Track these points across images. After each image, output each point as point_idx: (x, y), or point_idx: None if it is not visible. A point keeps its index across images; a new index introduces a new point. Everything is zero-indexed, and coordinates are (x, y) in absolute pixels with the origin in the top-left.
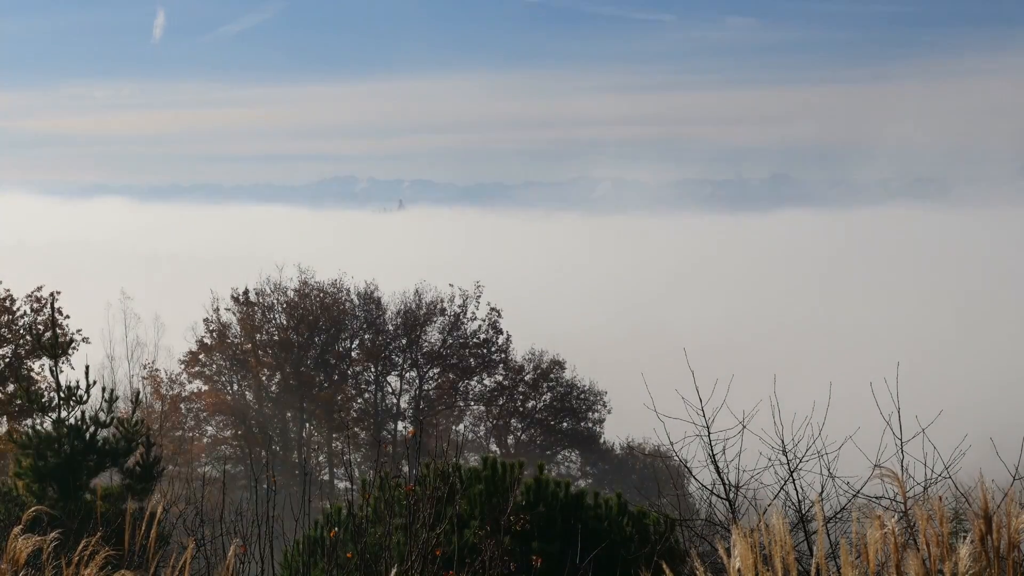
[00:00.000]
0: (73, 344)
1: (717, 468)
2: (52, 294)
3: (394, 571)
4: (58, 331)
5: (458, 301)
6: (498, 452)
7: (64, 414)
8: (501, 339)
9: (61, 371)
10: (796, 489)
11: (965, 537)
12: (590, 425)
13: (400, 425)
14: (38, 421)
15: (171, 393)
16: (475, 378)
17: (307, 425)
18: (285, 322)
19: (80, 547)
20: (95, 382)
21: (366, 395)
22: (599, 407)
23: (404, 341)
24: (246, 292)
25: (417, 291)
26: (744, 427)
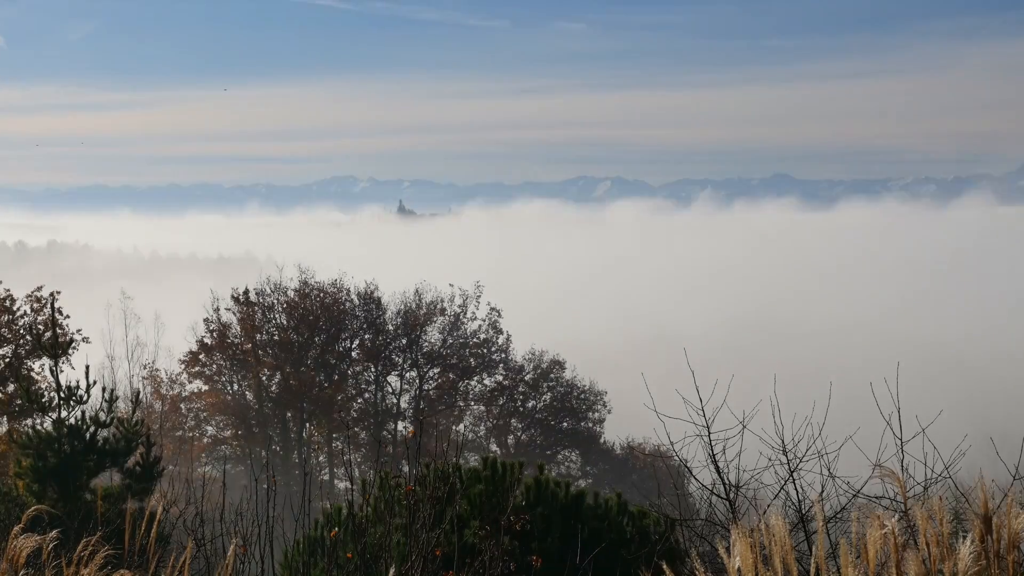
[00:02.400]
0: (73, 344)
1: (717, 468)
2: (52, 294)
3: (392, 572)
4: (58, 331)
5: (458, 301)
6: (498, 452)
7: (64, 414)
8: (501, 339)
9: (61, 371)
10: (796, 489)
11: (965, 537)
12: (590, 425)
13: (400, 425)
14: (38, 421)
15: (171, 393)
16: (475, 378)
17: (307, 425)
18: (285, 322)
19: (80, 547)
20: (95, 382)
21: (366, 395)
22: (599, 407)
23: (404, 341)
24: (246, 292)
25: (417, 291)
26: (744, 427)
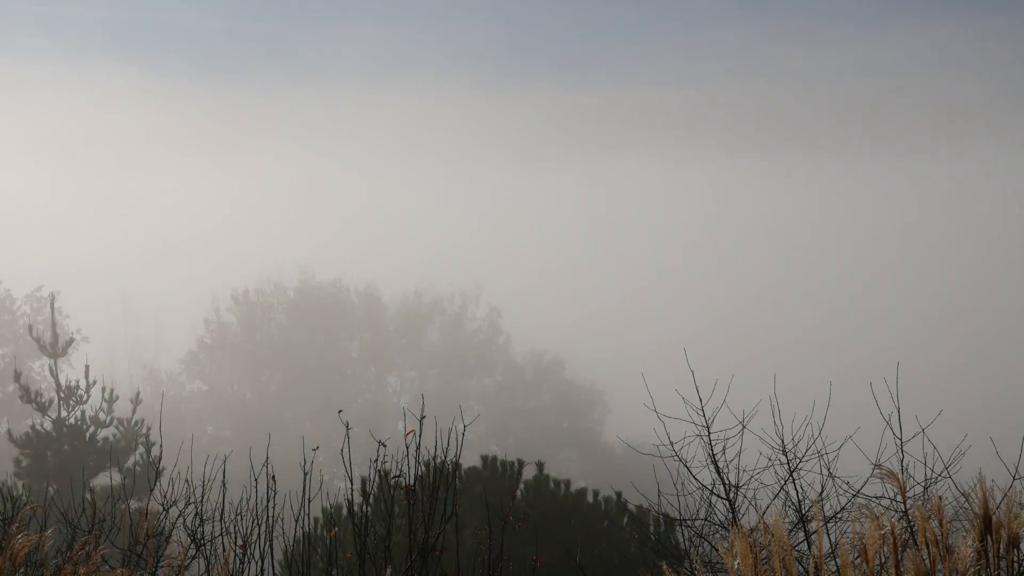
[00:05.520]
0: (73, 344)
1: (717, 468)
2: (52, 294)
3: (388, 571)
4: (58, 331)
5: (458, 301)
6: (498, 452)
7: (64, 414)
8: (501, 339)
9: (61, 371)
10: (796, 489)
11: (965, 537)
12: (590, 425)
13: (400, 425)
14: (38, 421)
15: (171, 393)
16: (475, 378)
17: (307, 425)
18: (285, 322)
19: (77, 546)
20: (95, 382)
21: (366, 395)
22: (599, 407)
23: (404, 341)
24: (246, 292)
25: (417, 291)
26: (744, 427)
